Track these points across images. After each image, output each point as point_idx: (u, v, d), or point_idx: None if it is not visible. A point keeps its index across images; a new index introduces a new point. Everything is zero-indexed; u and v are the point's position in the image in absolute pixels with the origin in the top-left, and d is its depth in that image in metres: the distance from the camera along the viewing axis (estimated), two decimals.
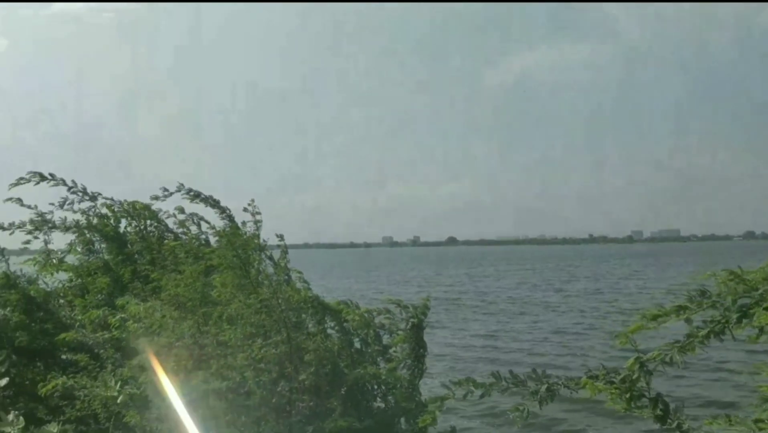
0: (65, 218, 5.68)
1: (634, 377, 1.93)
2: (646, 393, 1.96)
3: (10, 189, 4.94)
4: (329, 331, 3.60)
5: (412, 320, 3.24)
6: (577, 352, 15.97)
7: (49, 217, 5.68)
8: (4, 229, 5.36)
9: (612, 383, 1.96)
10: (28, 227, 5.41)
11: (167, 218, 5.75)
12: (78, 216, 5.71)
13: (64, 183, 5.07)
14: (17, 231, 5.41)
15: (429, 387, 3.95)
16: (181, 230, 5.72)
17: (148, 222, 5.75)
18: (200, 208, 5.33)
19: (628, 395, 1.94)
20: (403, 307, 3.28)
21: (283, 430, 3.31)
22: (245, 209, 3.19)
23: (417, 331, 3.27)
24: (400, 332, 3.30)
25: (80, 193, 5.24)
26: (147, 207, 5.70)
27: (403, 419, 3.38)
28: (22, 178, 4.86)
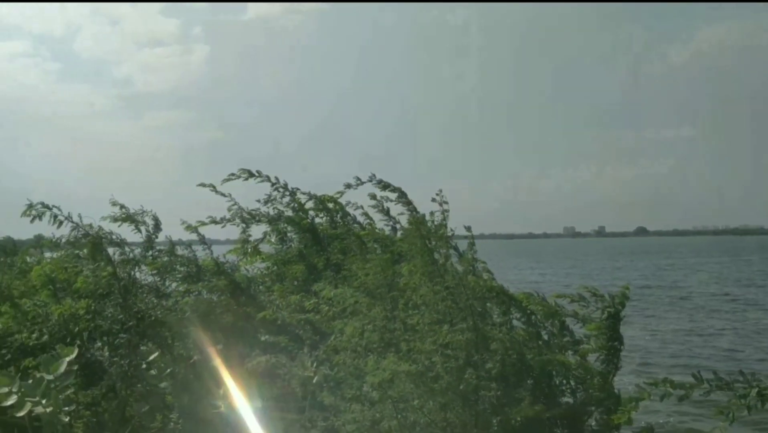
0: (267, 211, 6.19)
1: None
2: None
3: (222, 184, 5.40)
4: (515, 322, 3.55)
5: (608, 309, 3.09)
6: None
7: (248, 210, 6.23)
8: (216, 223, 5.90)
9: None
10: (237, 221, 5.91)
11: (355, 210, 6.04)
12: (273, 210, 6.19)
13: (269, 179, 5.45)
14: (224, 224, 5.92)
15: (618, 384, 3.77)
16: (366, 221, 5.99)
17: (338, 214, 6.07)
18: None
19: None
20: (599, 296, 3.15)
21: (468, 418, 3.33)
22: (433, 199, 3.25)
23: (613, 322, 3.11)
24: (593, 323, 3.16)
25: (281, 189, 5.61)
26: (334, 199, 6.01)
27: (594, 415, 3.26)
28: (232, 174, 5.30)
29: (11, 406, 4.13)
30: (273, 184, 5.53)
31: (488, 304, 3.44)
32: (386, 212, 5.59)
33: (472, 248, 3.35)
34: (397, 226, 5.31)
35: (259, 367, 4.30)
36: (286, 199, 6.00)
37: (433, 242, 3.28)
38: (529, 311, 3.38)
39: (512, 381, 3.30)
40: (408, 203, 4.63)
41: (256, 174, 5.40)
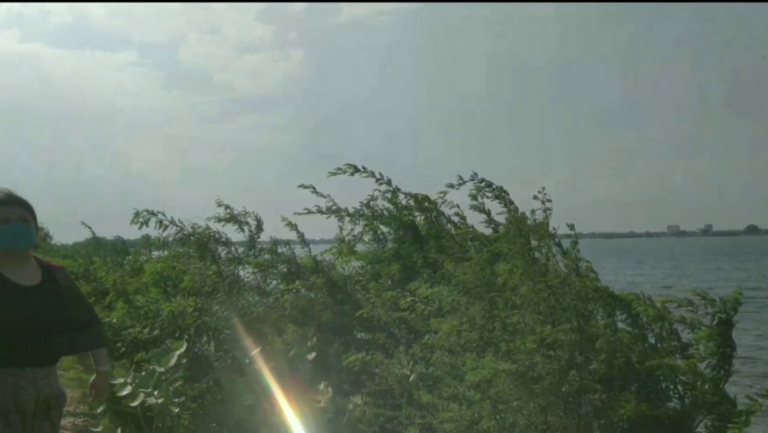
0: (364, 211, 6.27)
1: None
2: None
3: (328, 177, 5.48)
4: (620, 324, 3.44)
5: (719, 315, 2.94)
6: None
7: (345, 208, 6.34)
8: (321, 213, 6.00)
9: None
10: (334, 217, 6.02)
11: (450, 208, 6.02)
12: (369, 211, 6.26)
13: (373, 175, 5.49)
14: (329, 215, 6.04)
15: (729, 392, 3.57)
16: (461, 220, 5.97)
17: (432, 213, 6.07)
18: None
19: None
20: (709, 300, 2.99)
21: (570, 420, 3.26)
22: (535, 197, 3.20)
23: (725, 327, 2.95)
24: (703, 328, 3.01)
25: (385, 184, 5.64)
26: (428, 199, 6.01)
27: (704, 421, 3.11)
28: (339, 169, 5.37)
29: (126, 396, 4.39)
30: (377, 180, 5.57)
31: (591, 304, 3.35)
32: (487, 212, 5.55)
33: (575, 246, 3.26)
34: (499, 227, 5.25)
35: (357, 364, 4.37)
36: (385, 195, 6.04)
37: (535, 241, 3.22)
38: (635, 313, 3.26)
39: (617, 384, 3.20)
40: (509, 202, 4.57)
41: (362, 169, 5.44)
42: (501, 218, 5.30)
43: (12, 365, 2.64)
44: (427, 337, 4.63)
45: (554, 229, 3.28)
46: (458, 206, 5.63)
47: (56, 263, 3.32)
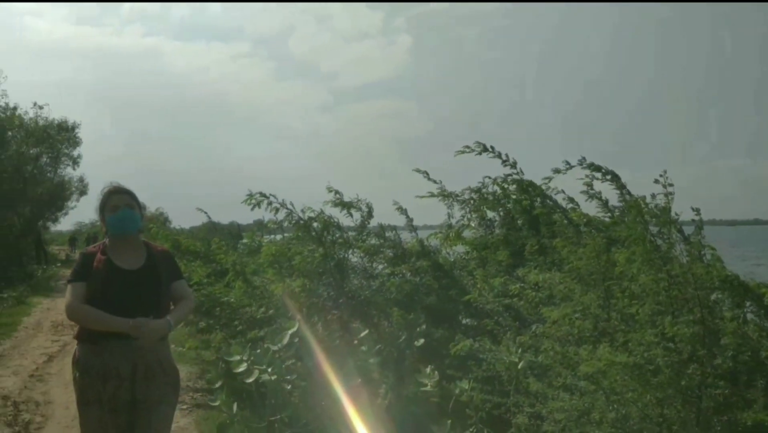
0: (471, 197, 6.23)
1: None
2: None
3: (455, 156, 5.45)
4: (749, 316, 3.23)
5: None
6: None
7: (453, 192, 6.32)
8: (434, 196, 6.02)
9: None
10: (446, 202, 6.01)
11: (556, 194, 5.87)
12: (475, 196, 6.21)
13: (500, 156, 5.42)
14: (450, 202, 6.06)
15: None
16: (570, 205, 5.81)
17: (538, 199, 5.93)
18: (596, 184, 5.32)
19: None
20: None
21: (689, 415, 3.11)
22: (656, 181, 3.04)
23: None
24: None
25: (510, 167, 5.56)
26: (533, 184, 5.88)
27: None
28: (467, 147, 5.33)
29: (242, 372, 4.60)
30: (503, 162, 5.49)
31: (716, 294, 3.16)
32: (601, 198, 5.38)
33: (700, 233, 3.08)
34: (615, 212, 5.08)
35: (464, 350, 4.35)
36: (495, 180, 5.95)
37: (656, 228, 3.07)
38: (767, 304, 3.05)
39: (743, 380, 3.01)
40: (622, 187, 4.39)
41: (490, 149, 5.37)
42: (613, 202, 5.14)
43: (112, 338, 2.94)
44: (535, 326, 4.55)
45: (677, 214, 3.10)
46: (563, 191, 5.49)
47: (162, 246, 3.54)
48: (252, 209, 5.68)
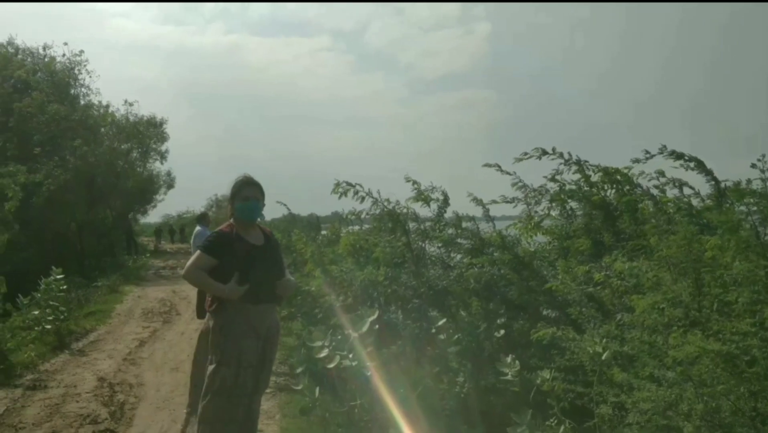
0: (551, 188, 6.14)
1: None
2: None
3: (514, 163, 5.48)
4: None
5: None
6: None
7: (533, 186, 6.25)
8: (507, 202, 6.02)
9: None
10: (523, 200, 5.97)
11: (648, 180, 5.71)
12: (556, 185, 6.11)
13: (561, 156, 5.39)
14: (515, 204, 6.03)
15: None
16: (657, 193, 5.63)
17: (625, 187, 5.78)
18: (680, 173, 5.16)
19: None
20: None
21: None
22: (753, 165, 2.90)
23: None
24: None
25: (573, 165, 5.51)
26: (621, 172, 5.73)
27: None
28: (525, 154, 5.35)
29: (323, 358, 4.69)
30: (566, 161, 5.44)
31: None
32: (679, 188, 5.21)
33: None
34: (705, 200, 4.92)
35: (546, 338, 4.29)
36: (574, 174, 5.86)
37: (755, 216, 2.94)
38: None
39: None
40: (708, 173, 4.22)
41: (551, 152, 5.34)
42: (699, 189, 4.97)
43: (249, 302, 3.50)
44: (619, 316, 4.43)
45: None
46: (656, 176, 5.34)
47: (268, 229, 3.97)
48: (339, 198, 5.80)
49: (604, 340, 3.89)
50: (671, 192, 5.37)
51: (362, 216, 6.18)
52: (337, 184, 5.64)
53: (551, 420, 4.10)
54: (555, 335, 4.20)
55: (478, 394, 5.20)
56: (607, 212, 5.54)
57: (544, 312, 5.83)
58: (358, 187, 5.68)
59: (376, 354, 5.05)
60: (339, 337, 4.76)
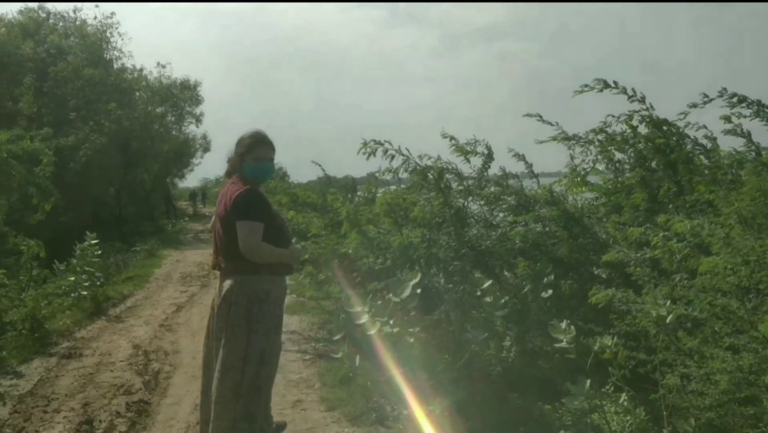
0: (591, 136, 5.73)
1: None
2: None
3: (573, 96, 5.06)
4: None
5: None
6: None
7: (575, 134, 5.84)
8: (556, 140, 5.62)
9: None
10: (565, 142, 5.60)
11: (696, 130, 5.32)
12: (602, 135, 5.70)
13: (625, 92, 4.98)
14: (570, 143, 5.66)
15: None
16: (709, 144, 5.26)
17: (674, 138, 5.38)
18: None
19: None
20: None
21: None
22: None
23: None
24: None
25: (638, 103, 5.09)
26: (668, 122, 5.33)
27: None
28: (586, 86, 4.93)
29: (363, 324, 4.47)
30: (630, 97, 5.02)
31: None
32: (747, 136, 4.78)
33: None
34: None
35: (603, 301, 3.97)
36: (619, 118, 5.45)
37: None
38: None
39: None
40: None
41: (612, 85, 4.91)
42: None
43: (285, 269, 3.47)
44: (678, 277, 4.09)
45: None
46: (706, 127, 4.93)
47: None
48: (367, 158, 5.47)
49: (668, 302, 3.57)
50: (731, 141, 4.99)
51: (399, 175, 5.84)
52: (365, 144, 5.31)
53: (608, 387, 3.83)
54: (614, 297, 3.87)
55: (525, 358, 4.96)
56: (667, 161, 5.13)
57: (596, 271, 5.52)
58: (387, 144, 5.33)
59: (418, 319, 4.82)
60: (379, 302, 4.51)
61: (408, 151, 5.59)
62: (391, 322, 4.38)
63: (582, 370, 3.71)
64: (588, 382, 3.53)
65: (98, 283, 8.68)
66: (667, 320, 3.49)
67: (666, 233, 4.18)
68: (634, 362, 3.66)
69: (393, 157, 5.49)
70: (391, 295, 4.40)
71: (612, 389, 3.81)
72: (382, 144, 5.40)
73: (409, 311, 4.59)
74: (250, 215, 3.18)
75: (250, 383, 3.22)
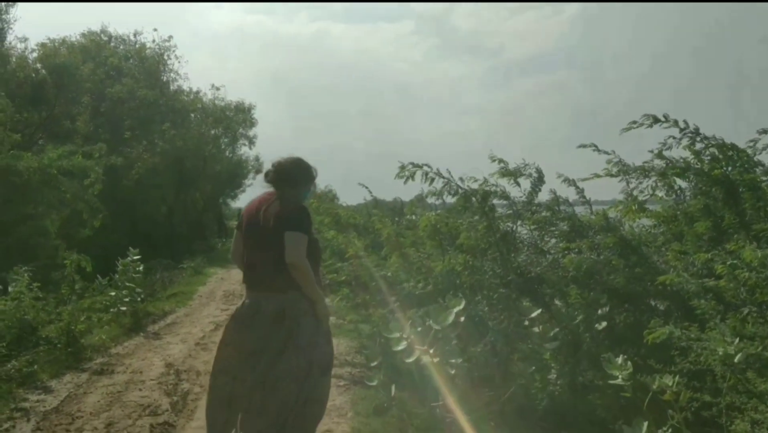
0: (658, 165, 5.44)
1: None
2: None
3: (621, 133, 4.90)
4: None
5: None
6: None
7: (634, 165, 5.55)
8: (612, 176, 5.41)
9: None
10: (621, 175, 5.35)
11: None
12: (663, 162, 5.40)
13: (676, 124, 4.73)
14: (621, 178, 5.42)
15: None
16: None
17: (737, 163, 5.04)
18: None
19: None
20: None
21: None
22: None
23: None
24: None
25: (690, 135, 4.83)
26: (736, 147, 5.00)
27: None
28: (634, 123, 4.75)
29: (401, 351, 4.22)
30: (681, 130, 4.76)
31: None
32: None
33: None
34: None
35: (661, 338, 3.64)
36: (680, 141, 5.15)
37: None
38: None
39: None
40: None
41: (663, 119, 4.67)
42: None
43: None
44: (746, 310, 3.74)
45: None
46: None
47: None
48: (405, 182, 5.31)
49: (737, 339, 3.22)
50: None
51: (444, 198, 5.63)
52: (402, 167, 5.12)
53: (665, 429, 3.49)
54: (673, 334, 3.54)
55: (574, 393, 4.63)
56: (729, 189, 4.80)
57: (653, 303, 5.17)
58: (426, 168, 5.13)
59: (461, 349, 4.55)
60: (419, 329, 4.27)
61: (449, 173, 5.41)
62: (432, 351, 4.13)
63: (638, 409, 3.39)
64: (645, 424, 3.21)
65: (139, 299, 8.66)
66: (736, 359, 3.17)
67: (734, 261, 3.85)
68: (697, 404, 3.34)
69: (432, 180, 5.30)
70: (431, 322, 4.16)
71: (670, 431, 3.47)
72: (420, 167, 5.23)
73: (451, 340, 4.33)
74: (301, 228, 3.34)
75: (308, 394, 3.27)
